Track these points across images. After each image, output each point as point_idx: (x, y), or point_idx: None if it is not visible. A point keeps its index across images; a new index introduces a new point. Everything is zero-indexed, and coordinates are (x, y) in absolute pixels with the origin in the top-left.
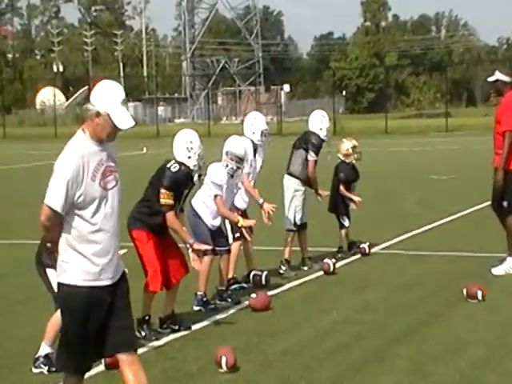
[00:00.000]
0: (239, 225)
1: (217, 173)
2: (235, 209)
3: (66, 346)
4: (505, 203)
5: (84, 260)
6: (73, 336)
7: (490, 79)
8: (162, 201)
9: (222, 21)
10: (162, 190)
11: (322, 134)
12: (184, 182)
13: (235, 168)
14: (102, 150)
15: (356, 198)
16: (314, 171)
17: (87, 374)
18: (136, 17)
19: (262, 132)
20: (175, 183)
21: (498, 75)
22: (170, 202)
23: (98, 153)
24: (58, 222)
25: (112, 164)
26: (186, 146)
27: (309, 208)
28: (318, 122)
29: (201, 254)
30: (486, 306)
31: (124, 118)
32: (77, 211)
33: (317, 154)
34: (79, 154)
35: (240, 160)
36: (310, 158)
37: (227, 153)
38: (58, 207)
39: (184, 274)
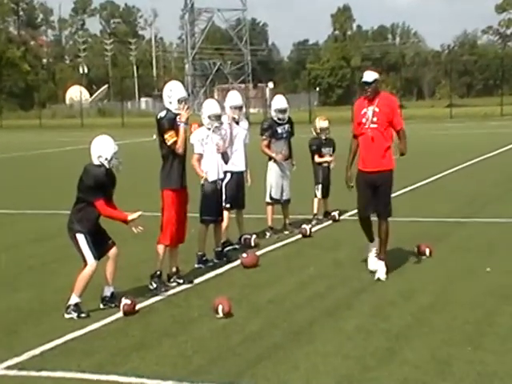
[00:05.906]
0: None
1: (198, 133)
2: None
3: None
4: None
5: None
6: None
7: None
8: (168, 142)
9: (217, 30)
10: (165, 136)
11: (273, 114)
12: (174, 120)
13: (217, 125)
14: None
15: (328, 159)
16: (262, 147)
17: (107, 320)
18: (147, 27)
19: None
20: (170, 122)
21: None
22: (174, 138)
23: None
24: None
25: None
26: (167, 94)
27: (291, 182)
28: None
29: None
30: (432, 261)
31: None
32: None
33: (265, 134)
34: None
35: (218, 117)
36: (262, 138)
37: (207, 117)
38: None
39: (181, 242)
